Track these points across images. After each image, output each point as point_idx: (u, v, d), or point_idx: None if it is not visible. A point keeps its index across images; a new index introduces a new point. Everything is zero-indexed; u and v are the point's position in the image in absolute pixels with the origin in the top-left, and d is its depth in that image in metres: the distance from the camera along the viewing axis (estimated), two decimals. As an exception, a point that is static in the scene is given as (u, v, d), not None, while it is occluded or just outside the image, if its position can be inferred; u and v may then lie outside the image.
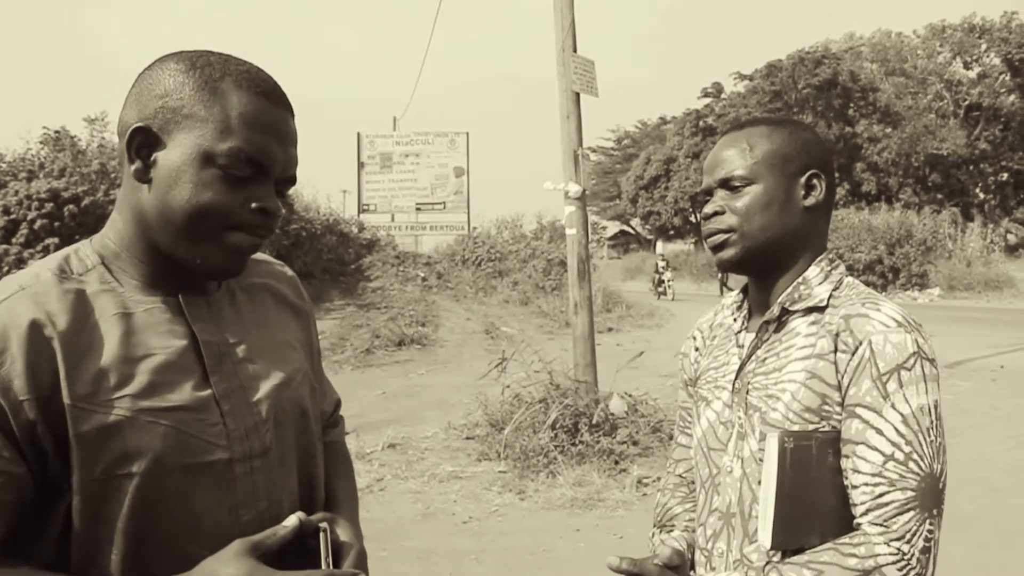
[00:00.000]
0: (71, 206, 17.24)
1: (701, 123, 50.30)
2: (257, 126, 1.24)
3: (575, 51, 8.27)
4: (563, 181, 8.27)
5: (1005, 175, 49.21)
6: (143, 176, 1.23)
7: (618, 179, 59.57)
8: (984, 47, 47.52)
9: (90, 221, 18.58)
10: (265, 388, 1.33)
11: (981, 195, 49.06)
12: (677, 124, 55.28)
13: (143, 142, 1.22)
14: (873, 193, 44.09)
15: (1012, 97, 46.99)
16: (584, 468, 6.96)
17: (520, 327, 16.03)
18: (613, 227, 67.37)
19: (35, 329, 1.14)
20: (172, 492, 1.19)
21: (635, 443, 7.46)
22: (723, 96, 52.87)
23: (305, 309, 1.54)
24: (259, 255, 1.51)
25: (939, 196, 44.76)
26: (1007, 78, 47.10)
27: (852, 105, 46.75)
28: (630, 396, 8.20)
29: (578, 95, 8.28)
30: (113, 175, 19.30)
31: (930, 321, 14.44)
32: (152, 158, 1.23)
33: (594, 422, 7.54)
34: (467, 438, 8.15)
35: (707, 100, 53.54)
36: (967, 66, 48.93)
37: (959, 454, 7.54)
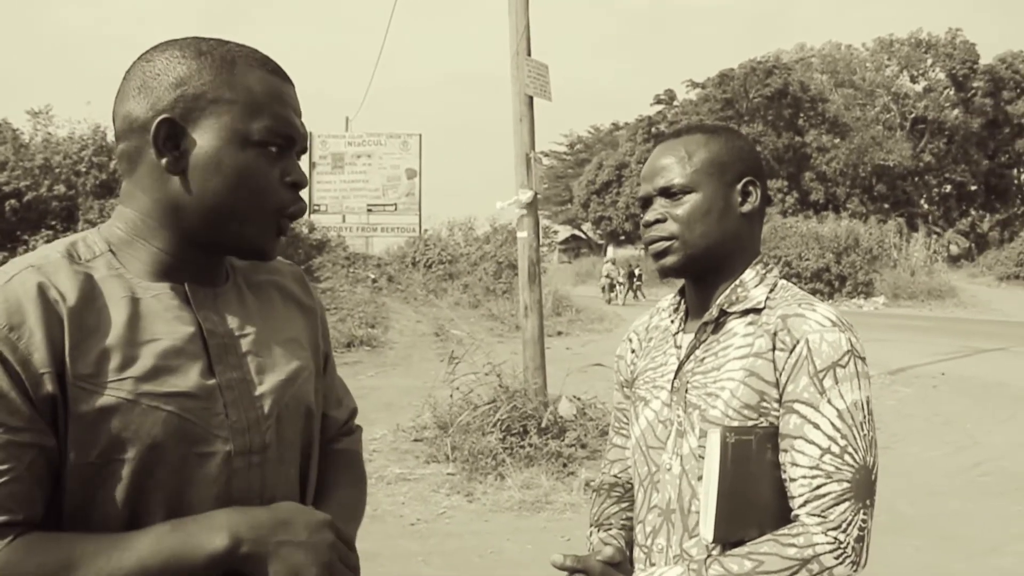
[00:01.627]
0: (12, 201, 16.94)
1: (653, 129, 50.57)
2: (278, 101, 1.26)
3: (529, 55, 8.29)
4: (515, 184, 8.29)
5: (948, 187, 50.19)
6: (175, 167, 1.21)
7: (570, 184, 59.72)
8: (930, 62, 48.45)
9: (32, 216, 18.27)
10: (269, 383, 1.30)
11: (925, 206, 49.99)
12: (629, 130, 55.60)
13: (169, 133, 1.20)
14: (821, 202, 44.70)
15: (956, 111, 47.94)
16: (532, 471, 6.98)
17: (470, 330, 16.03)
18: (564, 231, 67.55)
19: (48, 303, 1.13)
20: (168, 481, 1.17)
21: (583, 446, 7.50)
22: (675, 103, 53.28)
23: (313, 307, 1.51)
24: None
25: (885, 206, 45.49)
26: (951, 92, 48.04)
27: (802, 115, 47.36)
28: (579, 399, 8.25)
29: (531, 99, 8.31)
30: (57, 170, 19.01)
31: (875, 329, 14.80)
32: (181, 148, 1.21)
33: (543, 425, 7.57)
34: (415, 440, 8.13)
35: (659, 107, 53.93)
36: (913, 80, 49.85)
37: (900, 459, 7.70)
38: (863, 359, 1.56)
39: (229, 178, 1.21)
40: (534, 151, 8.31)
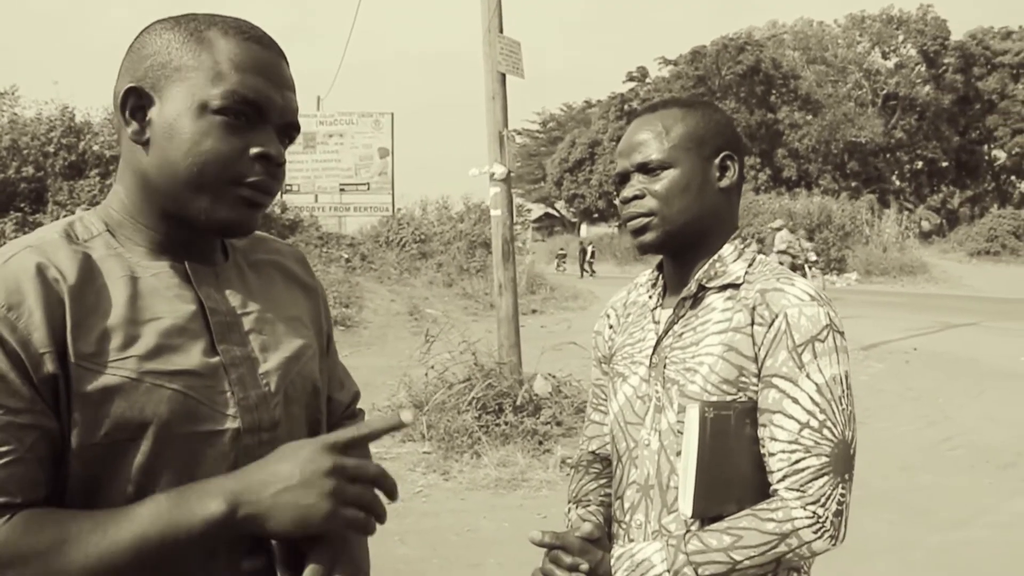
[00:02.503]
0: (-21, 182, 16.67)
1: (626, 107, 50.60)
2: (249, 69, 1.20)
3: (501, 32, 8.24)
4: (488, 162, 8.25)
5: (920, 163, 50.53)
6: (140, 137, 1.19)
7: (543, 162, 59.66)
8: (901, 38, 48.64)
9: (1, 199, 18.01)
10: (275, 360, 1.28)
11: (897, 182, 50.30)
12: (602, 108, 55.58)
13: (136, 104, 1.19)
14: (794, 179, 44.87)
15: (927, 87, 48.19)
16: (508, 448, 6.99)
17: (444, 308, 16.02)
18: (538, 210, 67.54)
19: (47, 282, 1.11)
20: (176, 461, 1.14)
21: (559, 423, 7.50)
22: (648, 81, 53.25)
23: (315, 287, 1.49)
24: (263, 234, 1.46)
25: (856, 183, 45.73)
26: (922, 69, 48.27)
27: (774, 92, 47.46)
28: (554, 377, 8.24)
29: (504, 76, 8.26)
30: (25, 151, 18.75)
31: (848, 305, 14.91)
32: (147, 118, 1.19)
33: (518, 403, 7.57)
34: (390, 420, 8.10)
35: (632, 84, 53.90)
36: (885, 56, 50.04)
37: (873, 434, 7.75)
38: (841, 333, 1.55)
39: (183, 146, 1.17)
40: (507, 129, 8.28)
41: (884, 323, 14.97)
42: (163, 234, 1.23)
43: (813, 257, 21.11)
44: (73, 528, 1.07)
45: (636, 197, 1.65)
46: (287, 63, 1.28)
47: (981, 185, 50.32)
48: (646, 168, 1.64)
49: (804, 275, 17.94)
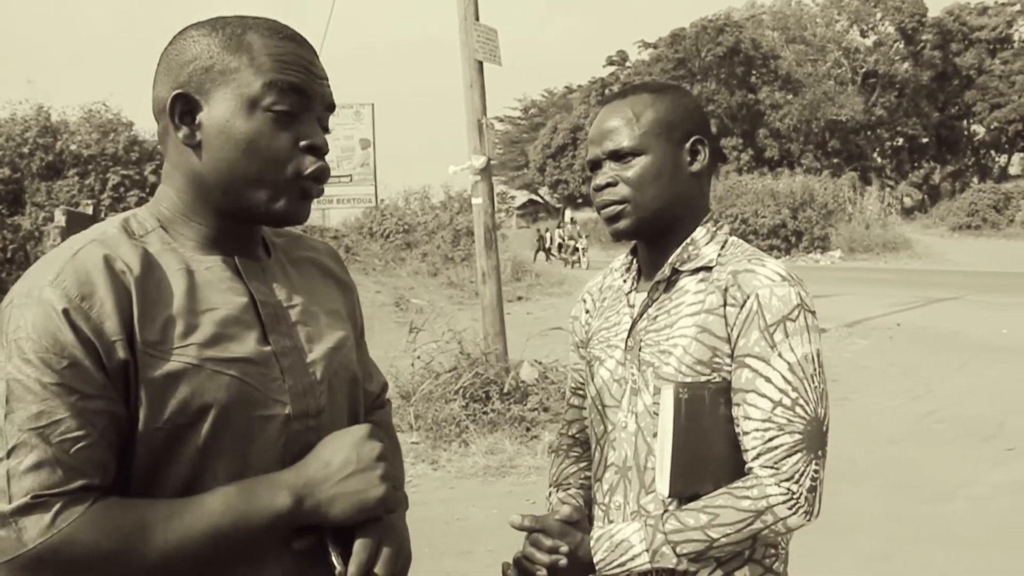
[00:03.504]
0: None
1: (607, 91, 50.34)
2: (289, 62, 1.26)
3: (478, 19, 8.23)
4: (467, 151, 8.25)
5: (900, 140, 50.63)
6: (191, 140, 1.25)
7: (525, 148, 59.56)
8: (879, 16, 48.63)
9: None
10: (319, 351, 1.34)
11: (878, 160, 50.43)
12: (583, 92, 55.49)
13: (184, 108, 1.24)
14: (776, 159, 44.93)
15: (906, 64, 48.25)
16: (496, 436, 7.01)
17: (430, 298, 16.03)
18: (522, 196, 67.46)
19: (115, 273, 1.16)
20: (231, 445, 1.20)
21: (546, 409, 7.52)
22: (628, 64, 53.20)
23: (349, 283, 1.56)
24: (300, 232, 1.54)
25: (838, 161, 45.83)
26: (901, 46, 48.31)
27: (754, 72, 47.48)
28: (540, 363, 8.26)
29: (481, 64, 8.25)
30: (1, 152, 18.64)
31: (832, 283, 14.99)
32: (196, 121, 1.24)
33: (505, 390, 7.59)
34: (378, 410, 8.11)
35: (612, 68, 53.88)
36: (863, 34, 50.05)
37: (857, 409, 7.82)
38: (813, 313, 1.58)
39: (240, 145, 1.23)
40: (486, 117, 8.27)
41: (868, 300, 15.04)
42: (214, 230, 1.29)
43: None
44: (151, 515, 1.13)
45: (609, 185, 1.67)
46: (319, 58, 1.34)
47: (961, 160, 50.50)
48: (618, 155, 1.66)
49: None
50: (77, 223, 14.22)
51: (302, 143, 1.27)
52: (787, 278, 1.57)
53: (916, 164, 50.58)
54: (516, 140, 63.48)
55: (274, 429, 1.25)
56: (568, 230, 29.39)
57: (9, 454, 1.08)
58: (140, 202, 22.26)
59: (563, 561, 1.55)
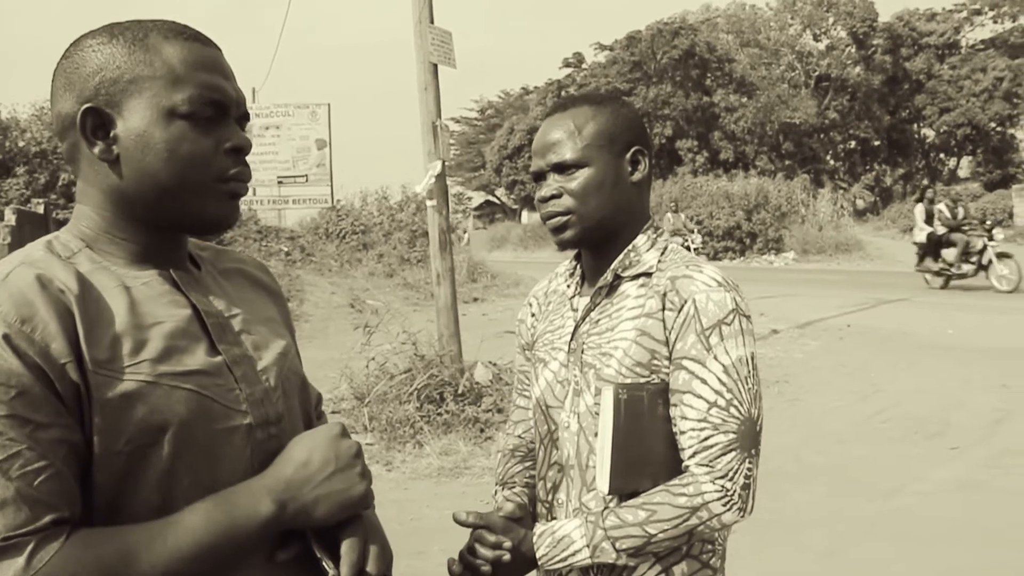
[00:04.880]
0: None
1: (563, 93, 50.57)
2: (202, 68, 1.22)
3: (432, 22, 8.25)
4: (423, 153, 8.27)
5: (853, 143, 51.26)
6: (108, 155, 1.19)
7: (482, 149, 59.46)
8: (832, 20, 49.20)
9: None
10: (269, 357, 1.31)
11: (831, 162, 51.02)
12: (539, 94, 55.55)
13: (96, 123, 1.19)
14: (731, 161, 45.28)
15: (858, 68, 48.87)
16: (450, 437, 7.03)
17: (386, 299, 15.97)
18: (479, 197, 67.42)
19: (54, 293, 1.10)
20: (197, 462, 1.15)
21: (500, 411, 7.56)
22: (584, 66, 53.34)
23: (280, 293, 1.53)
24: (221, 247, 1.50)
25: (790, 163, 46.30)
26: (853, 50, 48.92)
27: (709, 75, 47.80)
28: (495, 365, 8.31)
29: (436, 66, 8.27)
30: None
31: (785, 284, 15.14)
32: (111, 135, 1.19)
33: (459, 391, 7.62)
34: (333, 412, 8.09)
35: (568, 70, 53.98)
36: (816, 38, 50.60)
37: (807, 409, 7.95)
38: (748, 317, 1.63)
39: (161, 155, 1.18)
40: (440, 119, 8.29)
41: (819, 301, 15.24)
42: (142, 245, 1.24)
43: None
44: (131, 542, 1.07)
45: (553, 196, 1.71)
46: (223, 54, 1.31)
47: (912, 163, 51.21)
48: (561, 168, 1.70)
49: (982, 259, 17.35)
50: (28, 222, 14.05)
51: (225, 145, 1.23)
52: (723, 284, 1.63)
53: (868, 167, 51.26)
54: (472, 141, 63.41)
55: (239, 440, 1.20)
56: (671, 221, 22.21)
57: None
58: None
59: (506, 556, 1.59)
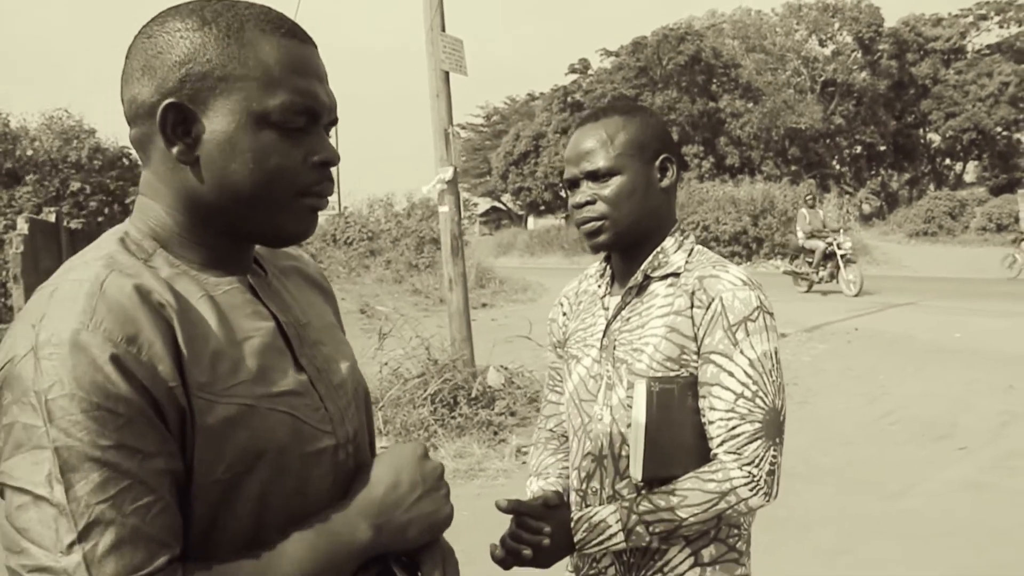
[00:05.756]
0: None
1: (569, 99, 50.66)
2: (298, 71, 1.11)
3: (444, 30, 8.35)
4: (434, 160, 8.37)
5: (859, 148, 51.27)
6: (187, 156, 1.09)
7: (488, 155, 59.58)
8: (837, 26, 49.26)
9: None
10: (342, 371, 1.25)
11: (837, 167, 51.03)
12: (545, 100, 55.59)
13: (177, 119, 1.08)
14: (737, 166, 45.32)
15: (863, 74, 48.91)
16: (464, 440, 7.12)
17: (395, 305, 16.07)
18: (484, 203, 67.56)
19: (155, 307, 1.01)
20: (289, 486, 1.09)
21: (513, 414, 7.67)
22: (590, 72, 53.40)
23: (331, 291, 1.44)
24: None
25: (796, 168, 46.36)
26: (858, 55, 48.97)
27: (715, 81, 47.88)
28: (506, 369, 8.41)
29: (447, 74, 8.38)
30: None
31: (792, 288, 15.14)
32: (192, 135, 1.08)
33: (472, 395, 7.72)
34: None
35: (574, 76, 54.03)
36: (822, 43, 50.64)
37: (816, 412, 8.02)
38: (771, 314, 1.74)
39: (247, 164, 1.08)
40: (452, 126, 8.40)
41: (827, 305, 15.36)
42: (217, 250, 1.15)
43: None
44: (243, 569, 1.01)
45: (588, 203, 1.82)
46: (318, 50, 1.18)
47: (918, 168, 51.20)
48: (595, 175, 1.81)
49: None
50: (40, 231, 14.13)
51: (314, 159, 1.13)
52: (748, 283, 1.74)
53: (874, 171, 51.25)
54: (479, 147, 63.55)
55: (326, 462, 1.15)
56: (807, 218, 18.68)
57: (81, 537, 0.90)
58: (101, 208, 22.14)
59: (546, 541, 1.69)
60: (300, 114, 1.11)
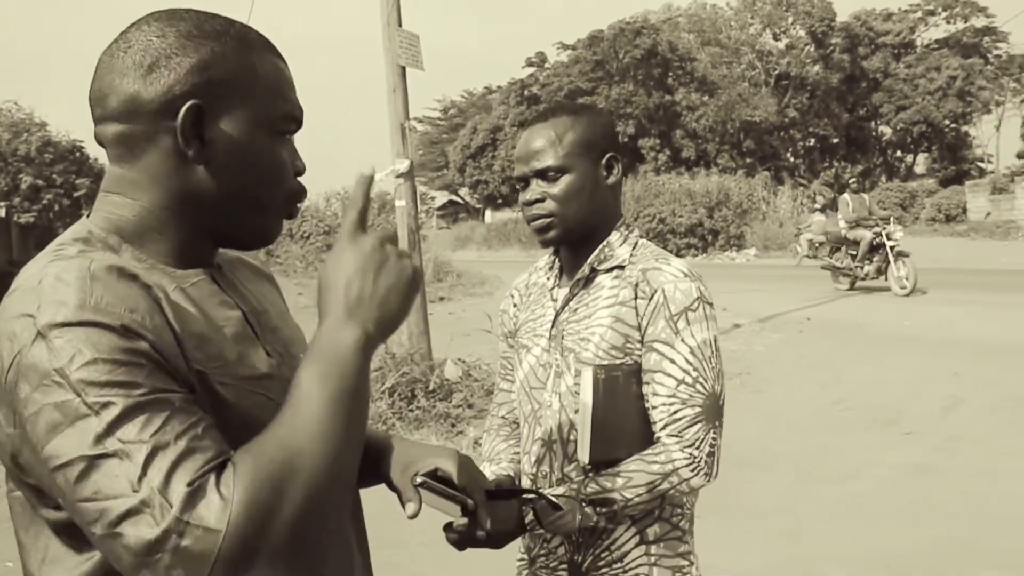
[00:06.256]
0: None
1: (526, 92, 50.78)
2: (290, 87, 1.23)
3: (400, 25, 8.39)
4: (391, 154, 8.40)
5: (812, 140, 51.92)
6: (200, 157, 1.14)
7: (445, 149, 59.57)
8: (791, 20, 49.75)
9: None
10: (300, 354, 1.27)
11: (791, 159, 51.64)
12: (502, 93, 55.64)
13: (196, 120, 1.12)
14: (692, 159, 45.66)
15: (816, 67, 49.47)
16: (422, 432, 7.19)
17: (353, 300, 16.08)
18: (442, 197, 67.53)
19: (145, 287, 1.04)
20: None
21: (470, 406, 7.73)
22: (547, 66, 53.52)
23: (273, 278, 1.49)
24: None
25: (751, 161, 46.80)
26: (812, 49, 49.51)
27: (671, 74, 48.14)
28: (464, 362, 8.49)
29: (404, 69, 8.41)
30: None
31: (747, 280, 15.41)
32: (206, 137, 1.14)
33: (430, 388, 7.78)
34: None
35: (531, 70, 54.15)
36: (776, 37, 51.11)
37: (769, 400, 8.18)
38: (711, 304, 1.84)
39: (257, 167, 1.17)
40: (408, 120, 8.44)
41: (780, 295, 15.58)
42: (184, 246, 1.19)
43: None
44: (279, 434, 1.00)
45: (538, 200, 1.90)
46: None
47: (870, 160, 51.94)
48: (544, 174, 1.89)
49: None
50: (-10, 226, 13.97)
51: (297, 165, 1.24)
52: (688, 275, 1.83)
53: (827, 163, 51.88)
54: (436, 141, 63.52)
55: None
56: (849, 205, 16.43)
57: (145, 469, 0.92)
58: (53, 202, 21.88)
59: (547, 489, 1.78)
60: (293, 123, 1.22)
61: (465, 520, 1.42)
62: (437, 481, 1.40)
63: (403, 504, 1.38)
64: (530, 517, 1.78)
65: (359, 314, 1.09)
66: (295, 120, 1.22)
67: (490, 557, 1.73)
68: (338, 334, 1.07)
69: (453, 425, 7.39)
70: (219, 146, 1.14)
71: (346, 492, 1.07)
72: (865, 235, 15.40)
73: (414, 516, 1.35)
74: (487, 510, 1.43)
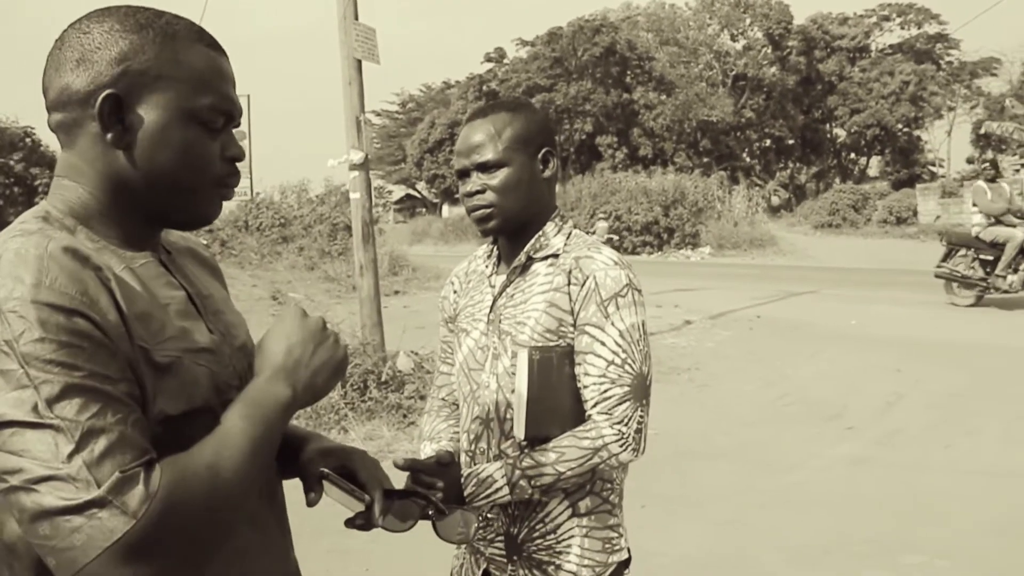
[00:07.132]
0: None
1: (485, 87, 50.83)
2: (220, 78, 1.30)
3: (357, 19, 8.41)
4: (345, 147, 8.43)
5: (768, 141, 52.46)
6: (120, 142, 1.23)
7: (403, 143, 59.44)
8: (748, 21, 50.24)
9: None
10: (241, 336, 1.40)
11: (747, 160, 52.13)
12: (461, 88, 55.62)
13: (113, 108, 1.21)
14: (649, 157, 45.96)
15: (773, 69, 50.00)
16: (374, 423, 7.24)
17: (307, 292, 16.10)
18: (399, 191, 67.38)
19: (98, 267, 1.12)
20: (206, 433, 1.17)
21: (422, 397, 7.77)
22: (506, 61, 53.62)
23: (219, 269, 1.58)
24: None
25: (708, 160, 47.23)
26: (768, 51, 50.04)
27: (629, 73, 48.42)
28: (416, 354, 8.55)
29: (360, 62, 8.44)
30: None
31: (701, 278, 15.64)
32: (125, 122, 1.23)
33: (382, 379, 7.83)
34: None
35: (490, 65, 54.20)
36: (734, 38, 51.59)
37: (716, 395, 8.34)
38: (639, 291, 1.95)
39: (175, 153, 1.24)
40: (364, 114, 8.47)
41: (731, 294, 15.81)
42: (130, 228, 1.28)
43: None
44: (207, 453, 1.11)
45: (478, 192, 2.00)
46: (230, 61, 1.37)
47: (825, 161, 52.58)
48: (484, 167, 1.99)
49: None
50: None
51: (227, 153, 1.31)
52: (618, 263, 1.95)
53: (783, 164, 52.47)
54: (393, 135, 63.32)
55: None
56: (990, 195, 12.93)
57: (79, 447, 1.01)
58: (3, 190, 21.58)
59: (440, 495, 1.85)
60: (221, 115, 1.29)
61: (362, 509, 1.51)
62: (341, 476, 1.50)
63: (305, 493, 1.47)
64: (469, 490, 1.88)
65: (293, 376, 1.27)
66: (223, 113, 1.30)
67: (433, 537, 1.81)
68: (272, 388, 1.24)
69: (405, 416, 7.45)
70: (140, 132, 1.23)
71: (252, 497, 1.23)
72: (1015, 235, 12.26)
73: (312, 505, 1.46)
74: (383, 506, 1.52)
